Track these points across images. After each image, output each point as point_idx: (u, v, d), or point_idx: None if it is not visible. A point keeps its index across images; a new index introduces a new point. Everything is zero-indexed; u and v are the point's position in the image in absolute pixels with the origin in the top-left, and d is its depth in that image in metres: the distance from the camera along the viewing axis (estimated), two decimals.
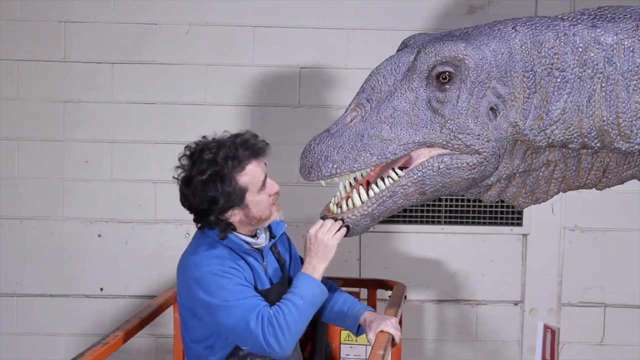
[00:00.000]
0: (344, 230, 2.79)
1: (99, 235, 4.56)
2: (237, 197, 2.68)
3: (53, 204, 4.53)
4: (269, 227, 2.90)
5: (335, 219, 2.81)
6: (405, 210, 2.89)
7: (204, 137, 2.77)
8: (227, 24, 4.49)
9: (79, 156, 4.53)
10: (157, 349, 4.58)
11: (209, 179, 2.65)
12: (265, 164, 2.77)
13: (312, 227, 2.79)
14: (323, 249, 2.75)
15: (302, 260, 2.91)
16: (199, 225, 2.79)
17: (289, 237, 3.08)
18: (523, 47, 2.78)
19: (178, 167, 2.74)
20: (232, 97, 4.50)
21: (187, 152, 2.74)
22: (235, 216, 2.72)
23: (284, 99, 4.51)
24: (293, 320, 2.64)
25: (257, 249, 2.83)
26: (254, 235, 2.84)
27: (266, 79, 4.50)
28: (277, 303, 2.68)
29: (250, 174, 2.70)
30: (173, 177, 2.74)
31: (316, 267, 2.75)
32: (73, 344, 4.47)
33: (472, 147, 2.76)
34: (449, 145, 2.77)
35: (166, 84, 4.50)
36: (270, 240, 2.89)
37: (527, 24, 2.82)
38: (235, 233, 2.76)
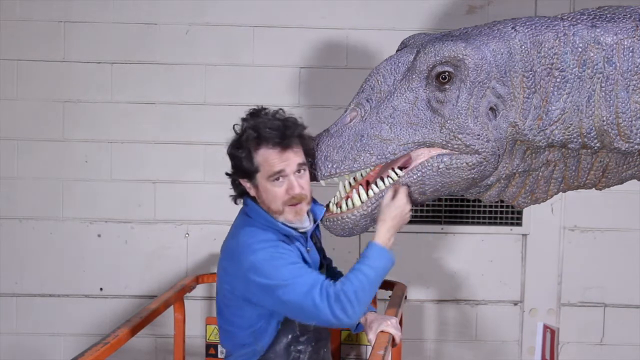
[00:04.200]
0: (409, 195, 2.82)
1: (99, 235, 4.56)
2: (248, 170, 2.70)
3: (52, 204, 4.53)
4: (310, 213, 2.85)
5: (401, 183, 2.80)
6: None
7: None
8: (227, 24, 4.49)
9: (78, 156, 4.52)
10: (157, 349, 4.58)
11: (237, 138, 2.76)
12: (302, 162, 2.72)
13: (394, 195, 2.77)
14: (400, 219, 2.76)
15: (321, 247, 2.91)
16: (234, 195, 2.83)
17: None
18: (523, 47, 2.78)
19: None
20: (232, 97, 4.49)
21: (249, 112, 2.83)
22: (250, 190, 2.75)
23: (283, 99, 4.50)
24: (363, 292, 2.61)
25: (302, 233, 2.80)
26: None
27: (266, 79, 4.50)
28: (346, 273, 2.66)
29: (263, 157, 2.68)
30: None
31: (390, 238, 2.73)
32: (73, 344, 4.47)
33: (472, 147, 2.76)
34: (449, 145, 2.77)
35: (166, 84, 4.50)
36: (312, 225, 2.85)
37: (527, 24, 2.82)
38: (279, 221, 2.73)
